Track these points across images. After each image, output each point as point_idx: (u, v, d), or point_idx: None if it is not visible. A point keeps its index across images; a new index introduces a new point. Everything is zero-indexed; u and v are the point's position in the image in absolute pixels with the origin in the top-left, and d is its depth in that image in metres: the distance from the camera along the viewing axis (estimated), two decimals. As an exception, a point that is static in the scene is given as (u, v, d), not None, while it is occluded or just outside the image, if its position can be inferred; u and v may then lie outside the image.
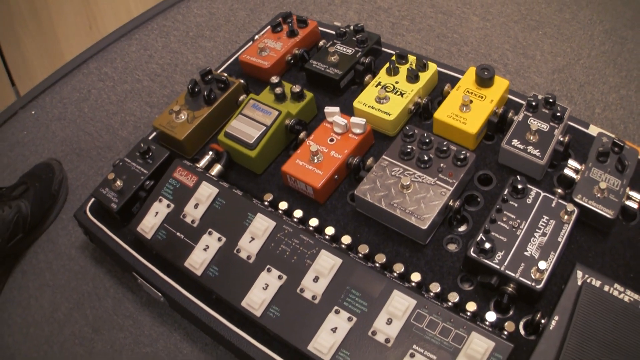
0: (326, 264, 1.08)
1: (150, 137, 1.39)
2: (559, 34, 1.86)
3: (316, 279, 1.08)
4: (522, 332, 1.07)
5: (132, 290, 1.35)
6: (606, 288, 1.03)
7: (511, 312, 1.07)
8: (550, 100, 1.26)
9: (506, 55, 1.82)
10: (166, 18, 1.99)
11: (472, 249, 1.09)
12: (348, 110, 1.35)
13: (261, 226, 1.14)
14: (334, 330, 1.04)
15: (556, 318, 1.02)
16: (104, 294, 1.36)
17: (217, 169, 1.29)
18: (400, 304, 1.03)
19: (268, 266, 1.12)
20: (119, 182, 1.26)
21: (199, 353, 1.25)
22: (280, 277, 1.10)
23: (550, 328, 1.01)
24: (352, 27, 1.49)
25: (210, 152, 1.31)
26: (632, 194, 1.17)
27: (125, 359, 1.26)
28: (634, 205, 1.16)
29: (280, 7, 1.95)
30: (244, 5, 2.02)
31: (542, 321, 1.03)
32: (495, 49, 1.83)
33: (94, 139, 1.66)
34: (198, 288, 1.18)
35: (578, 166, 1.20)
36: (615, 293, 1.02)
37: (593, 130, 1.30)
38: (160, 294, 1.22)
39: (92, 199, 1.34)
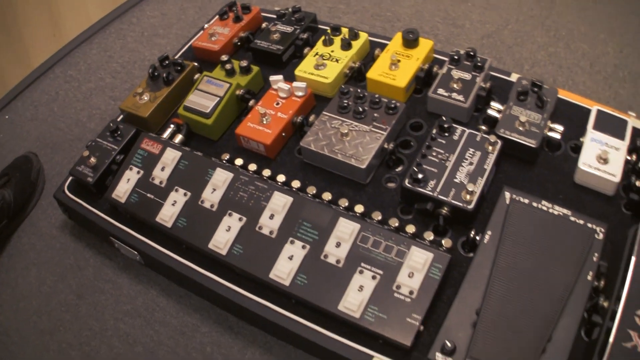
0: (279, 202, 1.20)
1: (118, 119, 1.50)
2: (488, 4, 1.99)
3: (272, 217, 1.20)
4: (461, 251, 1.19)
5: (110, 257, 1.45)
6: (534, 204, 1.15)
7: (449, 235, 1.20)
8: (471, 53, 1.39)
9: (437, 26, 1.94)
10: (122, 22, 2.10)
11: (407, 180, 1.21)
12: (291, 79, 1.46)
13: (221, 178, 1.26)
14: (290, 258, 1.15)
15: (489, 233, 1.13)
16: (85, 264, 1.45)
17: (178, 138, 1.40)
18: (346, 229, 1.15)
19: (229, 211, 1.23)
20: (92, 159, 1.37)
21: (174, 304, 1.35)
22: (240, 219, 1.22)
23: (485, 242, 1.13)
24: (290, 9, 1.62)
25: (172, 126, 1.43)
26: (554, 126, 1.28)
27: (108, 317, 1.35)
28: (557, 136, 1.28)
29: (226, 2, 2.05)
30: (193, 4, 2.14)
31: (477, 238, 1.14)
32: (427, 22, 1.95)
33: (65, 133, 1.76)
34: (169, 241, 1.29)
35: (500, 107, 1.32)
36: (544, 209, 1.14)
37: (514, 78, 1.43)
38: (136, 252, 1.33)
39: (70, 179, 1.44)
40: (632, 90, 1.68)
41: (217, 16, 1.68)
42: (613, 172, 1.20)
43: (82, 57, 1.99)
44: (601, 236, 1.10)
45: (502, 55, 1.81)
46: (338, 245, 1.15)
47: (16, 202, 1.55)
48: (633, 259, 1.03)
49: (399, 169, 1.32)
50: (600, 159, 1.21)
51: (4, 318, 1.40)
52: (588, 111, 1.32)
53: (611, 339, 0.94)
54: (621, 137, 1.25)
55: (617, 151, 1.23)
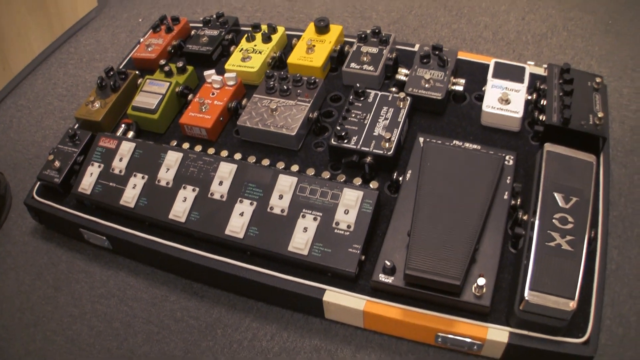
0: (226, 170, 1.33)
1: (74, 127, 1.61)
2: (392, -5, 2.12)
3: (221, 183, 1.33)
4: (388, 192, 1.34)
5: (80, 252, 1.54)
6: (447, 144, 1.30)
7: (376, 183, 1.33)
8: (376, 31, 1.56)
9: (346, 20, 2.10)
10: (62, 52, 2.20)
11: (332, 139, 1.36)
12: (222, 74, 1.60)
13: (172, 158, 1.39)
14: (241, 214, 1.28)
15: (409, 172, 1.28)
16: (58, 261, 1.54)
17: (130, 135, 1.53)
18: (286, 182, 1.28)
19: (183, 185, 1.36)
20: (57, 163, 1.47)
21: (142, 281, 1.46)
22: (194, 190, 1.35)
23: (407, 179, 1.27)
24: (214, 15, 1.78)
25: (123, 125, 1.55)
26: (457, 80, 1.45)
27: (86, 302, 1.44)
28: (460, 88, 1.45)
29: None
30: (123, 29, 2.26)
31: (400, 179, 1.29)
32: (337, 18, 2.11)
33: (24, 154, 1.84)
34: (133, 222, 1.41)
35: (407, 71, 1.48)
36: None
37: (417, 48, 1.60)
38: (104, 237, 1.43)
39: (37, 185, 1.54)
40: (535, 51, 1.86)
41: (150, 30, 1.81)
42: (515, 109, 1.36)
43: (29, 87, 2.08)
44: (511, 162, 1.26)
45: (408, 38, 1.96)
46: (280, 197, 1.28)
47: (-13, 216, 1.60)
48: (543, 171, 1.18)
49: (325, 135, 1.46)
50: (502, 100, 1.37)
51: (-11, 320, 1.44)
52: (488, 66, 1.49)
53: (535, 240, 1.06)
54: (520, 81, 1.41)
55: (518, 93, 1.39)
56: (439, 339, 1.18)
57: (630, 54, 1.81)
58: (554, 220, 1.12)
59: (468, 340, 1.14)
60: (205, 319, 1.37)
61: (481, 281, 1.09)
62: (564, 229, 1.10)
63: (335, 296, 1.18)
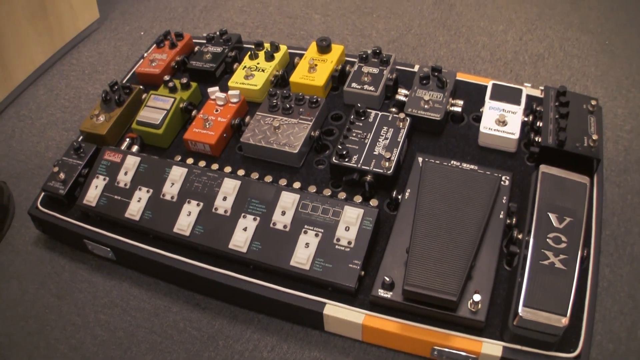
0: (230, 185, 1.37)
1: (79, 140, 1.64)
2: (391, 14, 2.19)
3: (225, 199, 1.37)
4: (387, 210, 1.38)
5: (83, 261, 1.57)
6: (444, 164, 1.33)
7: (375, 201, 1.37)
8: (377, 51, 1.60)
9: (346, 39, 2.14)
10: (63, 63, 2.23)
11: (333, 157, 1.40)
12: (225, 91, 1.64)
13: (177, 173, 1.43)
14: (245, 229, 1.32)
15: (408, 190, 1.32)
16: (61, 270, 1.57)
17: (134, 149, 1.57)
18: (288, 199, 1.32)
19: (188, 199, 1.40)
20: (61, 174, 1.51)
21: (145, 292, 1.49)
22: (198, 204, 1.39)
23: (406, 198, 1.32)
24: (217, 33, 1.82)
25: (127, 140, 1.59)
26: (455, 101, 1.49)
27: (89, 311, 1.47)
28: (459, 109, 1.49)
29: (153, 37, 2.24)
30: (125, 42, 2.29)
31: (399, 197, 1.33)
32: (337, 35, 2.15)
33: (26, 164, 1.87)
34: (137, 234, 1.44)
35: (407, 92, 1.53)
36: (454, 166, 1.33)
37: (417, 68, 1.65)
38: (108, 249, 1.47)
39: (41, 196, 1.57)
40: (532, 72, 1.90)
41: (154, 45, 1.85)
42: (512, 131, 1.41)
43: (31, 98, 2.10)
44: (507, 183, 1.31)
45: (407, 57, 2.01)
46: (283, 213, 1.32)
47: (-9, 226, 1.63)
48: (538, 192, 1.23)
49: (326, 152, 1.51)
50: (499, 122, 1.41)
51: (-8, 328, 1.47)
52: (486, 87, 1.54)
53: (529, 258, 1.10)
54: (517, 103, 1.46)
55: (514, 114, 1.43)
56: (435, 352, 1.21)
57: (625, 74, 1.85)
58: (547, 240, 1.16)
59: (463, 354, 1.18)
60: (207, 330, 1.40)
61: (477, 297, 1.14)
62: (558, 248, 1.15)
63: (335, 310, 1.22)
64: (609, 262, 1.39)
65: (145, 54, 1.83)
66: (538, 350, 1.10)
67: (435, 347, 1.20)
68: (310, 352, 1.34)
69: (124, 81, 1.82)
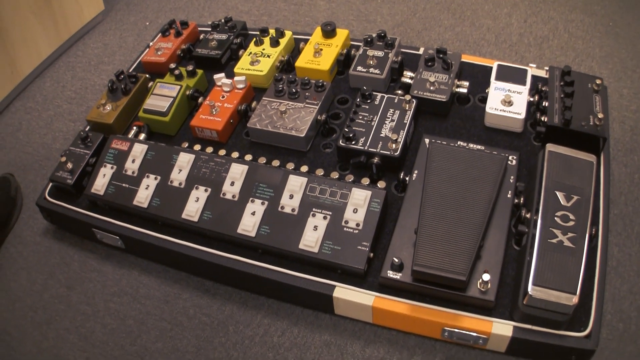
0: (237, 170, 1.38)
1: (86, 129, 1.64)
2: (396, -1, 2.17)
3: (232, 184, 1.38)
4: (395, 192, 1.38)
5: (92, 251, 1.58)
6: (451, 145, 1.33)
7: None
8: (382, 34, 1.61)
9: (351, 24, 2.15)
10: (69, 55, 2.24)
11: (340, 140, 1.41)
12: (231, 78, 1.64)
13: (185, 159, 1.43)
14: (253, 214, 1.33)
15: (416, 172, 1.32)
16: (70, 260, 1.57)
17: (142, 137, 1.58)
18: (296, 182, 1.33)
19: (196, 185, 1.40)
20: (69, 164, 1.51)
21: (155, 279, 1.49)
22: (206, 190, 1.39)
23: (413, 179, 1.32)
24: (223, 20, 1.82)
25: (134, 128, 1.60)
26: (461, 83, 1.50)
27: (98, 300, 1.48)
28: (464, 91, 1.49)
29: (159, 29, 2.18)
30: (131, 32, 2.30)
31: (407, 178, 1.33)
32: (342, 21, 2.16)
33: (33, 156, 1.87)
34: (146, 222, 1.45)
35: (412, 74, 1.53)
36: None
37: (422, 51, 1.66)
38: (117, 237, 1.47)
39: (49, 187, 1.57)
40: (537, 53, 1.90)
41: (159, 34, 1.86)
42: (518, 110, 1.41)
43: (38, 90, 2.11)
44: (514, 162, 1.31)
45: (413, 41, 2.01)
46: (291, 197, 1.33)
47: (0, 218, 1.66)
48: (545, 171, 1.23)
49: (333, 136, 1.51)
50: (505, 102, 1.42)
51: (2, 319, 1.51)
52: (491, 69, 1.54)
53: (537, 237, 1.10)
54: (522, 83, 1.46)
55: (520, 94, 1.44)
56: (445, 333, 1.22)
57: (630, 55, 1.85)
58: (555, 218, 1.16)
59: (473, 334, 1.18)
60: (217, 315, 1.41)
61: (486, 277, 1.14)
62: (566, 226, 1.15)
63: (345, 292, 1.22)
64: (618, 241, 1.40)
65: (151, 43, 1.83)
66: (548, 330, 1.11)
67: (446, 328, 1.20)
68: (321, 336, 1.35)
69: (130, 70, 1.82)
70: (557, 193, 1.19)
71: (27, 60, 2.13)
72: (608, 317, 1.28)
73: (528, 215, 1.17)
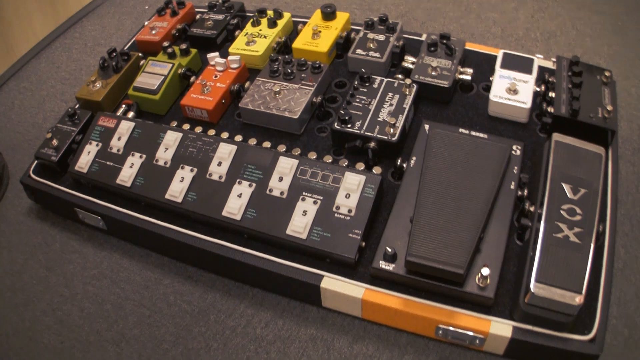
0: (225, 150, 1.26)
1: (75, 107, 1.53)
2: (400, -13, 2.08)
3: (219, 164, 1.26)
4: (391, 179, 1.26)
5: (75, 232, 1.48)
6: (452, 132, 1.22)
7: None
8: (384, 18, 1.49)
9: (354, 12, 2.05)
10: (66, 37, 2.14)
11: (335, 123, 1.29)
12: (225, 58, 1.53)
13: (172, 138, 1.32)
14: (239, 196, 1.21)
15: (414, 158, 1.21)
16: (52, 241, 1.48)
17: (130, 115, 1.46)
18: (286, 164, 1.21)
19: (182, 165, 1.29)
20: (55, 141, 1.40)
21: (136, 263, 1.39)
22: (192, 170, 1.27)
23: (411, 166, 1.20)
24: (220, 1, 1.71)
25: (124, 106, 1.48)
26: (464, 69, 1.38)
27: (77, 283, 1.38)
28: (468, 78, 1.38)
29: None
30: (129, 16, 2.20)
31: (404, 165, 1.22)
32: (344, 9, 2.02)
33: (23, 135, 1.78)
34: (129, 202, 1.34)
35: (414, 59, 1.42)
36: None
37: (425, 37, 1.54)
38: (99, 217, 1.37)
39: (34, 164, 1.47)
40: (544, 48, 1.80)
41: (155, 13, 1.74)
42: (523, 99, 1.29)
43: (32, 71, 2.02)
44: (519, 152, 1.19)
45: (416, 31, 1.87)
46: (280, 179, 1.21)
47: (-16, 195, 1.53)
48: (551, 161, 1.11)
49: (329, 120, 1.39)
50: (510, 90, 1.30)
51: (-20, 298, 1.39)
52: (496, 58, 1.42)
53: (541, 231, 1.00)
54: (528, 72, 1.34)
55: (526, 83, 1.32)
56: (440, 332, 1.10)
57: (638, 55, 1.75)
58: (561, 211, 1.05)
59: (470, 333, 1.07)
60: (198, 303, 1.30)
61: (485, 271, 1.02)
62: (572, 221, 1.03)
63: (333, 283, 1.12)
64: (624, 242, 1.28)
65: (147, 22, 1.71)
66: (550, 332, 1.02)
67: (440, 326, 1.08)
68: (307, 330, 1.23)
69: (125, 49, 1.68)
70: (564, 185, 1.08)
71: (23, 40, 2.03)
72: (613, 321, 1.16)
73: (532, 209, 1.07)
